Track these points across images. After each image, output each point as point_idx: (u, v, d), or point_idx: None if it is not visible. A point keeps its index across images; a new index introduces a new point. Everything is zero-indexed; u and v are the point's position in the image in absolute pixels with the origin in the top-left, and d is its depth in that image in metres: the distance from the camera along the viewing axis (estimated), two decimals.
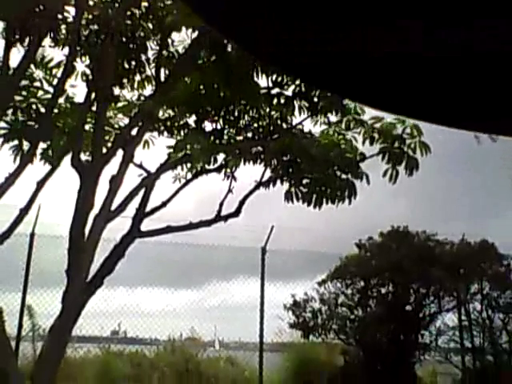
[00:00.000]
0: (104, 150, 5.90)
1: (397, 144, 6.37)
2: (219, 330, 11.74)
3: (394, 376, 10.71)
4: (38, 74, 6.12)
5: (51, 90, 6.05)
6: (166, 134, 6.86)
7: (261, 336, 10.35)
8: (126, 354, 11.30)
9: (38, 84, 6.13)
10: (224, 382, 11.35)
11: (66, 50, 5.79)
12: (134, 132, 6.05)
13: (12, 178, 5.46)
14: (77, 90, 6.33)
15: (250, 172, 7.05)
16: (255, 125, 6.79)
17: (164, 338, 11.50)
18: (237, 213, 6.95)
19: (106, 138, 6.40)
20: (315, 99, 6.41)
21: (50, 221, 9.38)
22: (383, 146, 6.44)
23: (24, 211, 5.80)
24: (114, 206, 5.85)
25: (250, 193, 6.98)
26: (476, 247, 11.90)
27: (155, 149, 6.92)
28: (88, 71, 6.07)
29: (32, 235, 9.17)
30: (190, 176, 7.08)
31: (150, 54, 6.28)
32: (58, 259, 6.32)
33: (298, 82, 6.38)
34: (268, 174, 6.97)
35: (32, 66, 5.89)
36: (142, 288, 10.50)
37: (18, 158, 6.02)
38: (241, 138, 6.84)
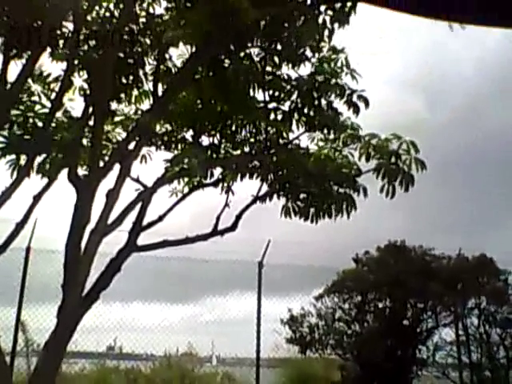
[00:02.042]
0: (101, 164, 5.90)
1: (393, 160, 6.38)
2: (216, 345, 11.66)
3: None
4: (36, 88, 6.14)
5: (49, 104, 6.07)
6: (163, 148, 6.88)
7: (257, 351, 10.29)
8: (121, 369, 11.21)
9: (35, 98, 6.14)
10: None
11: (64, 64, 5.82)
12: (131, 146, 6.06)
13: (8, 192, 5.44)
14: (74, 104, 6.36)
15: (246, 186, 7.07)
16: (252, 139, 6.81)
17: (160, 354, 11.41)
18: (233, 227, 6.94)
19: (103, 152, 6.41)
20: (312, 114, 6.44)
21: (46, 235, 9.35)
22: (379, 163, 6.45)
23: (20, 225, 5.77)
24: (110, 220, 5.83)
25: (247, 207, 6.98)
26: (474, 262, 11.90)
27: (152, 163, 6.94)
28: (86, 86, 6.10)
29: (28, 249, 9.15)
30: (186, 190, 7.09)
31: (148, 68, 6.32)
32: (54, 273, 6.29)
33: (294, 98, 6.43)
34: (265, 188, 6.98)
35: (30, 80, 5.91)
36: (138, 303, 10.46)
37: (15, 172, 6.01)
38: (238, 152, 6.86)
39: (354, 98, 6.28)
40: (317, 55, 6.28)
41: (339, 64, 6.28)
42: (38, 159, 6.32)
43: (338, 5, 5.43)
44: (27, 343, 9.56)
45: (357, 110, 6.31)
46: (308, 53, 6.13)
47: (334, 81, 6.27)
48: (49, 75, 6.03)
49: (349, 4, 5.38)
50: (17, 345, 8.89)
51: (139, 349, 10.49)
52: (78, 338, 7.57)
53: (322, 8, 5.57)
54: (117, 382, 10.67)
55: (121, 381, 10.78)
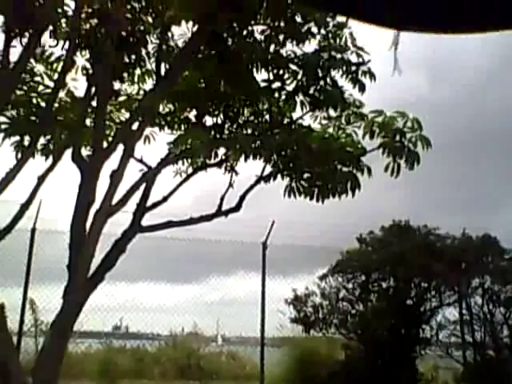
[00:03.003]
0: (105, 145, 5.89)
1: (397, 138, 6.34)
2: (220, 325, 11.76)
3: (395, 370, 10.73)
4: (39, 68, 6.11)
5: (51, 84, 6.03)
6: (166, 128, 6.85)
7: (262, 331, 10.38)
8: (127, 349, 11.33)
9: (38, 79, 6.11)
10: (226, 376, 11.38)
11: (66, 44, 5.77)
12: (134, 127, 6.03)
13: (13, 173, 5.44)
14: (77, 84, 6.32)
15: (250, 167, 7.05)
16: (256, 119, 6.77)
17: (166, 333, 11.52)
18: (238, 207, 6.93)
19: (107, 132, 6.39)
20: (316, 94, 6.38)
21: (51, 216, 9.38)
22: (384, 141, 6.41)
23: (25, 206, 5.78)
24: (114, 201, 5.83)
25: (251, 187, 6.96)
26: (478, 241, 11.90)
27: (156, 144, 6.92)
28: (88, 65, 6.05)
29: (33, 230, 9.18)
30: (190, 171, 7.07)
31: (150, 47, 6.26)
32: (59, 254, 6.31)
33: (299, 77, 6.37)
34: (269, 168, 6.95)
35: (32, 60, 5.86)
36: (143, 283, 10.53)
37: (19, 154, 6.00)
38: (241, 132, 6.82)
39: (359, 75, 6.19)
40: (322, 31, 6.18)
41: (344, 40, 6.18)
42: (42, 140, 6.31)
43: None
44: (36, 322, 9.65)
45: (362, 88, 6.23)
46: (313, 29, 6.03)
47: (339, 56, 6.17)
48: (51, 55, 5.99)
49: None
50: (23, 325, 8.97)
51: (145, 328, 10.60)
52: (84, 318, 7.61)
53: None
54: (123, 361, 10.78)
55: (127, 360, 10.90)
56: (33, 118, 6.08)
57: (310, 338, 11.39)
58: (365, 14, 1.09)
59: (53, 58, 6.04)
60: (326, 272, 11.58)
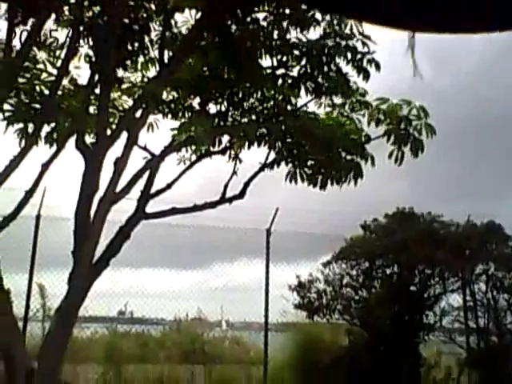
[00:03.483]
0: (108, 132, 5.89)
1: (402, 125, 6.32)
2: (224, 311, 11.83)
3: (398, 356, 10.79)
4: (41, 55, 6.09)
5: (55, 72, 6.02)
6: (170, 116, 6.84)
7: (266, 316, 10.43)
8: (132, 333, 11.43)
9: (41, 66, 6.10)
10: (230, 361, 11.47)
11: (69, 31, 5.76)
12: (138, 114, 6.03)
13: (17, 161, 5.47)
14: (81, 71, 6.31)
15: (254, 154, 7.04)
16: (260, 107, 6.74)
17: (170, 318, 11.60)
18: (242, 194, 6.94)
19: (111, 120, 6.39)
20: (320, 80, 6.35)
21: (56, 203, 9.43)
22: (389, 128, 6.39)
23: (29, 193, 5.82)
24: (118, 188, 5.86)
25: (255, 175, 6.96)
26: (482, 228, 11.88)
27: (159, 131, 6.92)
28: (91, 53, 6.04)
29: (38, 217, 9.22)
30: (194, 158, 7.08)
31: (154, 35, 6.23)
32: (64, 241, 6.35)
33: (303, 63, 6.33)
34: (272, 155, 6.94)
35: (35, 48, 5.86)
36: (147, 269, 10.59)
37: (23, 141, 6.02)
38: (245, 119, 6.80)
39: (364, 63, 6.15)
40: (327, 17, 6.13)
41: (349, 27, 6.13)
42: (46, 128, 6.32)
43: None
44: (44, 306, 9.74)
45: (367, 76, 6.19)
46: (318, 15, 5.98)
47: (344, 43, 6.12)
48: (53, 42, 5.97)
49: None
50: (29, 310, 9.07)
51: (149, 313, 10.67)
52: (89, 304, 7.68)
53: None
54: (128, 345, 10.89)
55: (132, 344, 11.00)
56: (36, 105, 6.08)
57: (313, 323, 11.45)
58: (378, 16, 1.08)
59: (55, 45, 6.02)
60: (329, 259, 11.60)
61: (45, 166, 5.91)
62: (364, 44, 6.12)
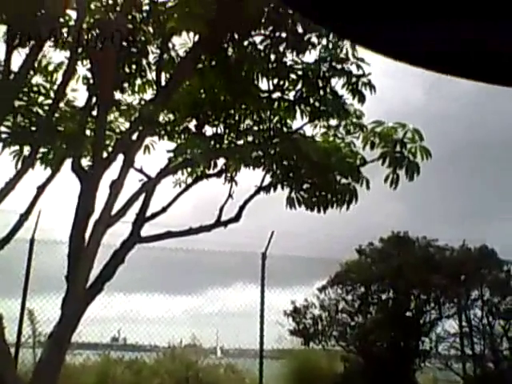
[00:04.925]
0: (105, 155, 5.88)
1: (398, 148, 6.36)
2: (219, 337, 11.69)
3: (394, 383, 10.66)
4: (37, 80, 6.12)
5: (52, 94, 6.04)
6: (166, 138, 6.85)
7: (261, 343, 10.31)
8: (125, 360, 11.24)
9: (39, 89, 6.11)
10: None
11: (67, 53, 5.79)
12: (134, 136, 6.03)
13: (12, 183, 5.43)
14: (78, 94, 6.33)
15: (250, 177, 7.04)
16: (256, 129, 6.77)
17: (164, 345, 11.43)
18: (237, 218, 6.92)
19: (107, 142, 6.39)
20: (316, 103, 6.40)
21: (50, 226, 9.36)
22: (384, 151, 6.42)
23: (24, 216, 5.77)
24: (114, 211, 5.82)
25: (251, 198, 6.95)
26: (476, 253, 11.88)
27: (156, 154, 6.92)
28: (89, 75, 6.07)
29: (32, 241, 9.14)
30: (190, 181, 7.06)
31: (151, 57, 6.28)
32: (58, 265, 6.28)
33: (299, 87, 6.39)
34: (268, 178, 6.95)
35: (33, 71, 5.88)
36: (141, 294, 10.47)
37: (19, 163, 5.99)
38: (241, 142, 6.82)
39: (360, 86, 6.22)
40: (323, 41, 6.21)
41: (344, 51, 6.21)
42: (42, 150, 6.30)
43: None
44: (34, 333, 9.58)
45: (362, 99, 6.25)
46: (313, 39, 6.06)
47: (339, 66, 6.19)
48: (49, 64, 5.99)
49: None
50: (21, 336, 8.90)
51: (143, 340, 10.52)
52: (82, 330, 7.57)
53: None
54: (121, 372, 10.70)
55: (125, 372, 10.80)
56: (33, 127, 6.08)
57: (309, 350, 11.32)
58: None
59: (53, 66, 6.04)
60: (325, 283, 11.54)
61: (40, 189, 5.87)
62: (358, 67, 6.19)
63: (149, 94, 6.54)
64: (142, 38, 5.98)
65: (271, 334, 10.69)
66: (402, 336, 11.28)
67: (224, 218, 6.93)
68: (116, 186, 5.75)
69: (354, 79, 6.17)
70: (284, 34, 5.93)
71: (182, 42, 6.16)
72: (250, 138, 6.74)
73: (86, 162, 6.17)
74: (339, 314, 11.43)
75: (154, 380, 10.85)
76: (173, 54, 6.31)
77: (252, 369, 11.11)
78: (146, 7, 5.89)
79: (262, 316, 10.36)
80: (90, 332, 9.39)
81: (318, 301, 11.46)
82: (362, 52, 6.14)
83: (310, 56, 6.21)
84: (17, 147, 6.15)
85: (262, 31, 5.99)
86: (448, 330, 12.01)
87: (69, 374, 9.25)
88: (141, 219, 6.41)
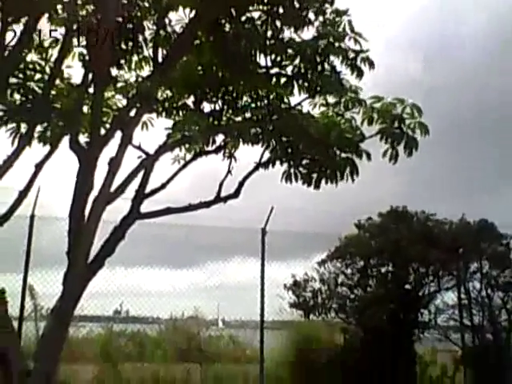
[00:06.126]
0: (102, 132, 5.87)
1: (396, 124, 6.32)
2: (220, 309, 11.85)
3: (393, 354, 10.83)
4: (32, 57, 6.06)
5: (48, 71, 6.00)
6: (164, 115, 6.82)
7: (261, 315, 10.45)
8: (128, 332, 11.43)
9: (34, 66, 6.07)
10: (226, 359, 11.49)
11: (63, 30, 5.73)
12: (132, 113, 6.01)
13: (10, 161, 5.44)
14: (74, 70, 6.29)
15: (249, 153, 7.03)
16: (254, 105, 6.73)
17: (166, 317, 11.61)
18: (236, 194, 6.94)
19: (104, 119, 6.37)
20: (314, 79, 6.34)
21: (50, 203, 9.40)
22: (382, 127, 6.39)
23: (23, 193, 5.79)
24: (113, 188, 5.84)
25: (250, 174, 6.96)
26: (475, 226, 11.93)
27: (154, 130, 6.90)
28: (85, 51, 6.01)
29: (32, 217, 9.20)
30: (188, 157, 7.07)
31: (147, 34, 6.22)
32: (59, 240, 6.34)
33: (296, 62, 6.33)
34: (267, 154, 6.94)
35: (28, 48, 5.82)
36: (142, 268, 10.58)
37: (16, 141, 5.99)
38: (240, 118, 6.79)
39: (358, 61, 6.16)
40: (320, 18, 6.13)
41: (342, 27, 6.13)
42: (39, 127, 6.29)
43: None
44: (36, 308, 9.73)
45: (360, 74, 6.20)
46: (311, 15, 5.98)
47: (337, 44, 6.13)
48: (44, 40, 5.93)
49: None
50: (24, 310, 9.05)
51: (145, 312, 10.66)
52: (84, 303, 7.67)
53: None
54: (124, 344, 10.89)
55: (127, 343, 11.00)
56: (29, 105, 6.06)
57: (309, 322, 11.48)
58: None
59: (48, 43, 5.99)
60: (324, 258, 11.63)
61: (38, 166, 5.89)
62: (356, 41, 6.12)
63: (146, 71, 6.49)
64: (138, 14, 5.90)
65: (271, 307, 10.84)
66: (402, 308, 11.42)
67: (223, 193, 6.95)
68: (114, 163, 5.75)
69: (352, 55, 6.10)
70: (281, 10, 5.86)
71: (179, 19, 6.10)
72: (248, 115, 6.71)
73: (83, 139, 6.15)
74: (339, 287, 11.56)
75: (157, 351, 11.07)
76: (169, 30, 6.24)
77: (253, 340, 11.30)
78: None
79: (262, 289, 10.48)
80: (93, 305, 9.52)
81: (318, 274, 11.59)
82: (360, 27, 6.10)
83: (308, 33, 6.16)
84: (14, 125, 6.14)
85: (260, 7, 5.92)
86: (447, 302, 12.15)
87: (73, 346, 9.43)
88: (140, 195, 6.43)
